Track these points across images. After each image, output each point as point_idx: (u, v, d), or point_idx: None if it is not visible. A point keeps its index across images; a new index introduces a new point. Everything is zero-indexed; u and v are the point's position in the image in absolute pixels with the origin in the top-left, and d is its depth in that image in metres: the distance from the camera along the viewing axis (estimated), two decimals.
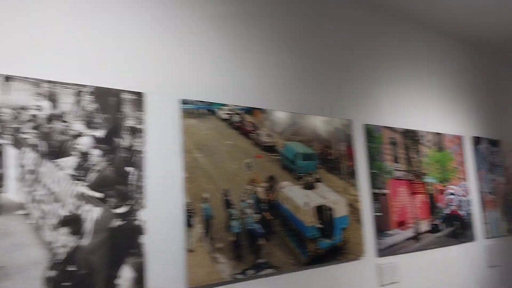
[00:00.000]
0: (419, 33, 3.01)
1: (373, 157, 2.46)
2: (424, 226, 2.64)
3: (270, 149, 1.97)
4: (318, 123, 2.21)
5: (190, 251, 1.63)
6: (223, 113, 1.83)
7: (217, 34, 1.91)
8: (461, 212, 2.93)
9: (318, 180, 2.14)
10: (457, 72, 3.25)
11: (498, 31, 3.22)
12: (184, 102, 1.72)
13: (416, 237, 2.57)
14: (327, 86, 2.33)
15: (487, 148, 3.30)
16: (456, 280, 2.79)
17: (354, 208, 2.27)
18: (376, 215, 2.39)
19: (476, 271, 2.96)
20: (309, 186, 2.09)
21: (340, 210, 2.19)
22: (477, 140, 3.22)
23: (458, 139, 3.07)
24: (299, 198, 2.03)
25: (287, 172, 2.01)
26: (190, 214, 1.65)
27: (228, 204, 1.76)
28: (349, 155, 2.32)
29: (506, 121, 3.61)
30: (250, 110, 1.93)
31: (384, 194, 2.47)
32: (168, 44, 1.74)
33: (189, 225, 1.65)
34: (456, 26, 3.07)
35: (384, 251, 2.37)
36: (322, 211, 2.11)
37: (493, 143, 3.38)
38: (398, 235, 2.47)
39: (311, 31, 2.32)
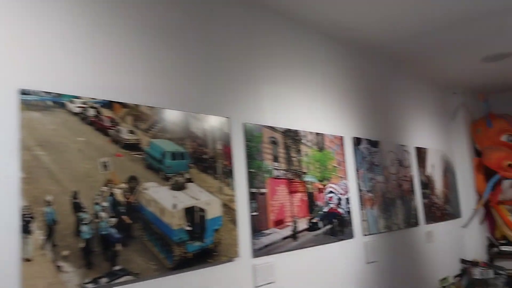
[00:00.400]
0: (303, 34, 3.03)
1: (252, 156, 2.42)
2: (303, 224, 2.66)
3: (132, 147, 1.83)
4: (192, 120, 2.11)
5: (26, 260, 1.45)
6: (74, 107, 1.65)
7: (71, 14, 1.72)
8: (340, 210, 3.01)
9: (189, 180, 2.04)
10: (340, 73, 3.33)
11: (379, 34, 3.35)
12: (24, 92, 1.52)
13: (293, 236, 2.57)
14: (204, 81, 2.24)
15: (367, 148, 3.44)
16: (334, 277, 2.85)
17: (229, 209, 2.20)
18: (253, 215, 2.35)
19: (354, 268, 3.06)
20: (179, 187, 1.99)
21: (213, 211, 2.12)
22: (357, 141, 3.33)
23: (339, 139, 3.15)
24: (166, 200, 1.91)
25: (152, 172, 1.89)
26: (28, 219, 1.46)
27: (77, 207, 1.59)
28: (226, 154, 2.25)
29: (385, 123, 3.80)
30: (109, 104, 1.77)
31: (262, 194, 2.44)
32: (3, 23, 1.53)
33: (26, 231, 1.46)
34: (339, 28, 3.15)
35: (260, 251, 2.34)
36: (192, 213, 2.01)
37: (373, 143, 3.52)
38: (275, 234, 2.46)
39: (189, 23, 2.21)
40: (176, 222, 1.93)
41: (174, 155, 1.99)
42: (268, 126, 2.57)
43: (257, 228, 2.36)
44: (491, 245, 4.88)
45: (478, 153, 5.06)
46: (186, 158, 2.04)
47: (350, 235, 3.05)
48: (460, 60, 4.11)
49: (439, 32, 3.38)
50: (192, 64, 2.19)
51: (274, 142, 2.59)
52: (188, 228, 1.98)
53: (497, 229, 4.97)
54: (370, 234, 3.27)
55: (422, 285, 3.85)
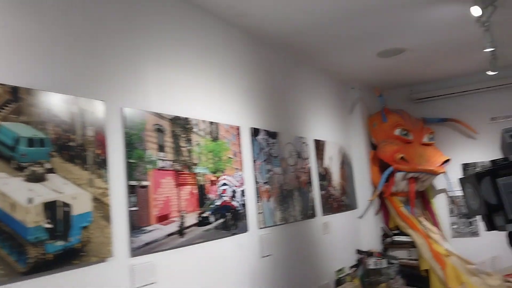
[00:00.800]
0: (197, 16, 2.85)
1: (132, 145, 2.19)
2: (191, 219, 2.49)
3: None
4: (56, 102, 1.83)
5: None
6: None
7: None
8: (234, 203, 2.88)
9: (50, 171, 1.77)
10: (239, 61, 3.20)
11: (277, 23, 3.27)
12: None
13: (180, 232, 2.39)
14: (74, 59, 1.97)
15: (265, 140, 3.35)
16: (226, 274, 2.72)
17: (101, 203, 1.96)
18: (132, 210, 2.13)
19: (248, 263, 2.95)
20: (37, 179, 1.71)
21: (81, 206, 1.86)
22: (255, 131, 3.23)
23: (235, 129, 3.01)
24: (18, 193, 1.63)
25: (1, 161, 1.60)
26: None
27: None
28: (99, 142, 2.01)
29: (284, 114, 3.75)
30: None
31: (143, 187, 2.22)
32: None
33: None
34: (236, 14, 3.01)
35: (139, 250, 2.13)
36: (54, 208, 1.75)
37: (272, 135, 3.45)
38: (158, 231, 2.26)
39: None
40: (32, 219, 1.66)
41: (32, 142, 1.71)
42: (153, 112, 2.35)
43: (137, 225, 2.14)
44: (385, 235, 5.08)
45: (374, 146, 5.24)
46: (47, 145, 1.77)
47: (244, 229, 2.94)
48: (357, 55, 4.18)
49: (336, 25, 3.38)
50: (60, 38, 1.91)
51: (159, 130, 2.38)
52: (48, 226, 1.72)
53: (390, 220, 5.18)
54: (266, 227, 3.18)
55: (318, 277, 3.86)
